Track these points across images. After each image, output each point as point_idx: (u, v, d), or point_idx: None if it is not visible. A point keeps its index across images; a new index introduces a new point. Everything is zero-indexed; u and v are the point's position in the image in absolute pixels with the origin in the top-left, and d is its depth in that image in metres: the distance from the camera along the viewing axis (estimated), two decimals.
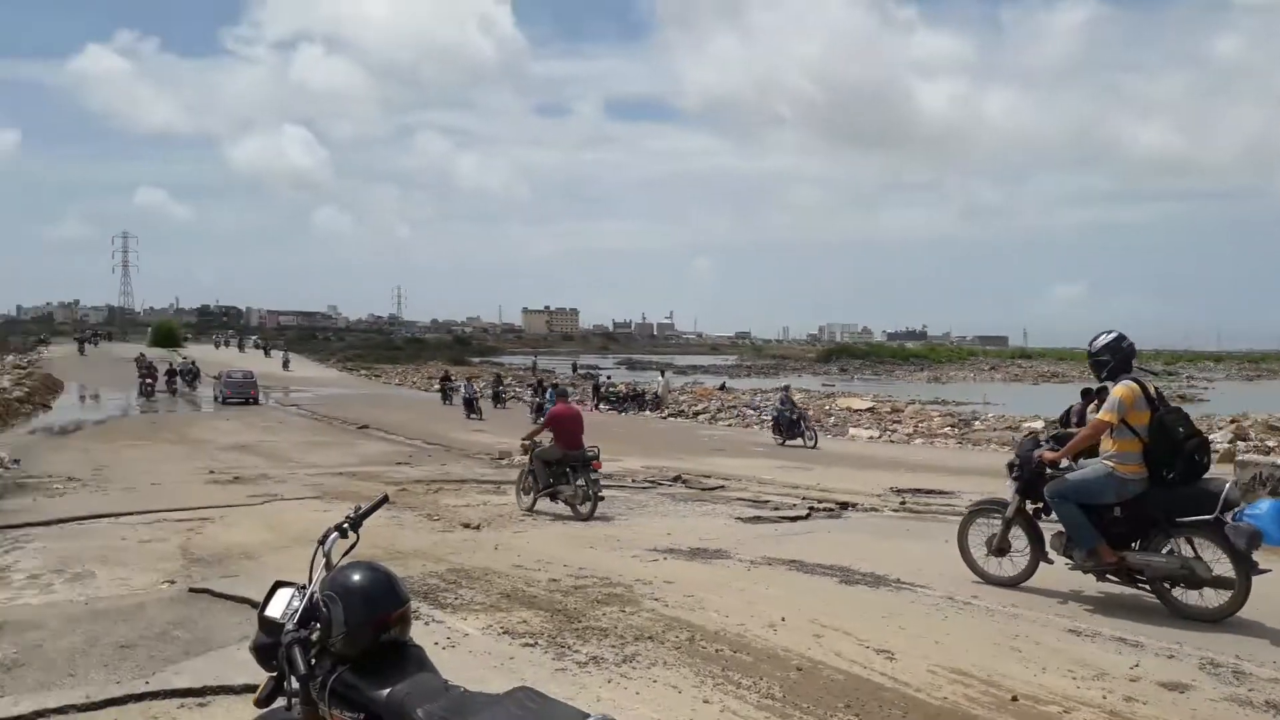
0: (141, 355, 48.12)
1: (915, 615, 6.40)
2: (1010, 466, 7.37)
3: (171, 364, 45.43)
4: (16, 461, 18.06)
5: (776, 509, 12.51)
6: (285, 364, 59.97)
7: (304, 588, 2.84)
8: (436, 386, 44.22)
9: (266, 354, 71.14)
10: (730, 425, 33.17)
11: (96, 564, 8.26)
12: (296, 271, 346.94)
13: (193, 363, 48.67)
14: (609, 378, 48.93)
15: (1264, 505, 6.10)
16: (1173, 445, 6.31)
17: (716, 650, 5.53)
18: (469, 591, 6.89)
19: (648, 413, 37.76)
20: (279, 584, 2.94)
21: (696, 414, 37.25)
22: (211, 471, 16.69)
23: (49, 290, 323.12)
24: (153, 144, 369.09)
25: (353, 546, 3.00)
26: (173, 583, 7.43)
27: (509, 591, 6.90)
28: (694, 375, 77.75)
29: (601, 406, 39.42)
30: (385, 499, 3.35)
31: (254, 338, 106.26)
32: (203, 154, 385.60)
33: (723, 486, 15.33)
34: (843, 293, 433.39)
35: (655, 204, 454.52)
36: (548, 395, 30.66)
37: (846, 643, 5.69)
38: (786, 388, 32.27)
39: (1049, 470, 6.92)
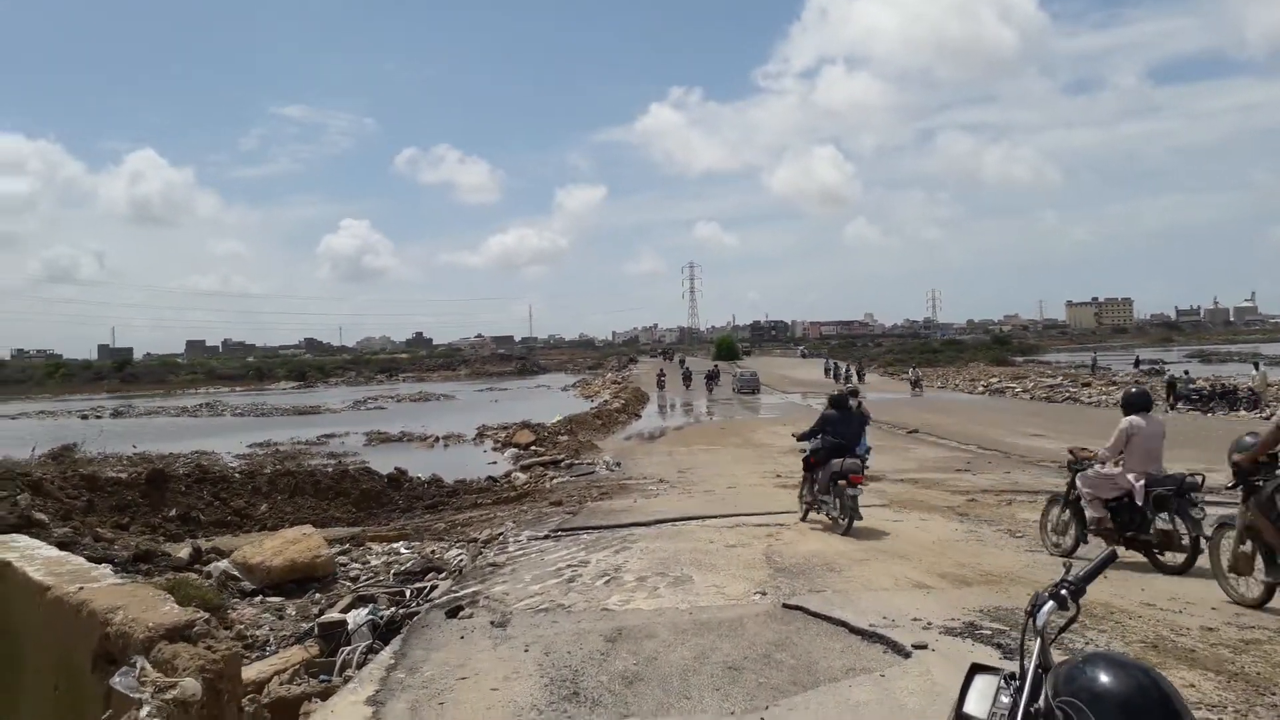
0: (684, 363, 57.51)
1: None
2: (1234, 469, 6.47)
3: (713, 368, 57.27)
4: (619, 464, 20.70)
5: None
6: (858, 375, 54.27)
7: (1012, 677, 2.17)
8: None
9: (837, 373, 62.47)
10: None
11: (693, 568, 8.66)
12: (833, 283, 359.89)
13: (715, 367, 59.41)
14: (1186, 373, 41.77)
15: None
16: None
17: None
18: (1099, 634, 5.74)
19: (1242, 412, 31.40)
20: (976, 668, 2.32)
21: None
22: (778, 475, 17.27)
23: (635, 317, 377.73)
24: (704, 183, 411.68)
25: (1072, 620, 2.28)
26: (764, 594, 7.41)
27: (1153, 640, 5.59)
28: None
29: (1180, 406, 33.79)
30: (1113, 555, 2.56)
31: (801, 348, 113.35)
32: (745, 185, 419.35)
33: None
34: None
35: (1215, 172, 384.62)
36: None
37: None
38: None
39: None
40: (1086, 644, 5.52)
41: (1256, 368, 35.93)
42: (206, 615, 5.55)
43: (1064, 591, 2.33)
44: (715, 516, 12.04)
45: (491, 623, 6.75)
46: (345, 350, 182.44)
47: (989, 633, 5.84)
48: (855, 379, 51.14)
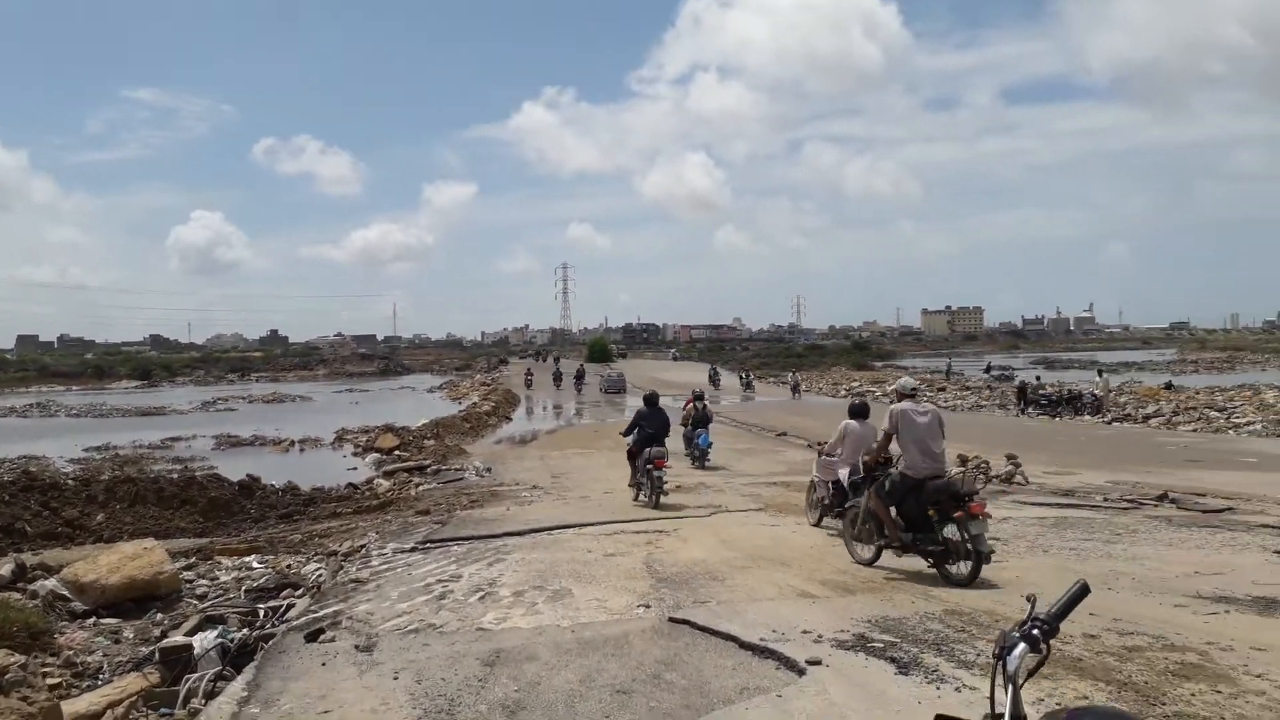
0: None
1: None
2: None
3: (579, 369, 57.98)
4: (489, 470, 20.07)
5: None
6: (746, 382, 53.40)
7: None
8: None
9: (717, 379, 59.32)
10: (1196, 430, 28.10)
11: (572, 580, 8.30)
12: (703, 287, 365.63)
13: (580, 367, 59.99)
14: (1037, 379, 44.19)
15: None
16: None
17: None
18: (986, 644, 5.68)
19: (1086, 417, 33.39)
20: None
21: (1146, 418, 32.18)
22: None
23: (505, 317, 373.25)
24: (577, 183, 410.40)
25: (1042, 662, 2.05)
26: (648, 607, 7.13)
27: None
28: (1128, 373, 68.27)
29: (1030, 411, 35.67)
30: (1085, 589, 2.33)
31: (673, 351, 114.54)
32: (618, 188, 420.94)
33: (1231, 509, 12.48)
34: None
35: (1062, 189, 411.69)
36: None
37: None
38: None
39: None
40: (978, 656, 5.46)
41: (1100, 375, 38.24)
42: (22, 660, 4.81)
43: (1036, 631, 2.09)
44: (592, 524, 11.71)
45: (356, 646, 6.19)
46: (194, 348, 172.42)
47: (881, 645, 5.71)
48: (741, 383, 52.86)
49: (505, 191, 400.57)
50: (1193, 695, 4.68)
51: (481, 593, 7.93)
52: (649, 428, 14.00)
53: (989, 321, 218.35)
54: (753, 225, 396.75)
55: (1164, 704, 4.56)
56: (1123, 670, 5.06)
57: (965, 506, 7.82)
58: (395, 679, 5.45)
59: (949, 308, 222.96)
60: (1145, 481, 15.61)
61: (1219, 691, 4.73)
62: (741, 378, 55.72)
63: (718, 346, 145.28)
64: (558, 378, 57.59)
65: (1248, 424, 27.99)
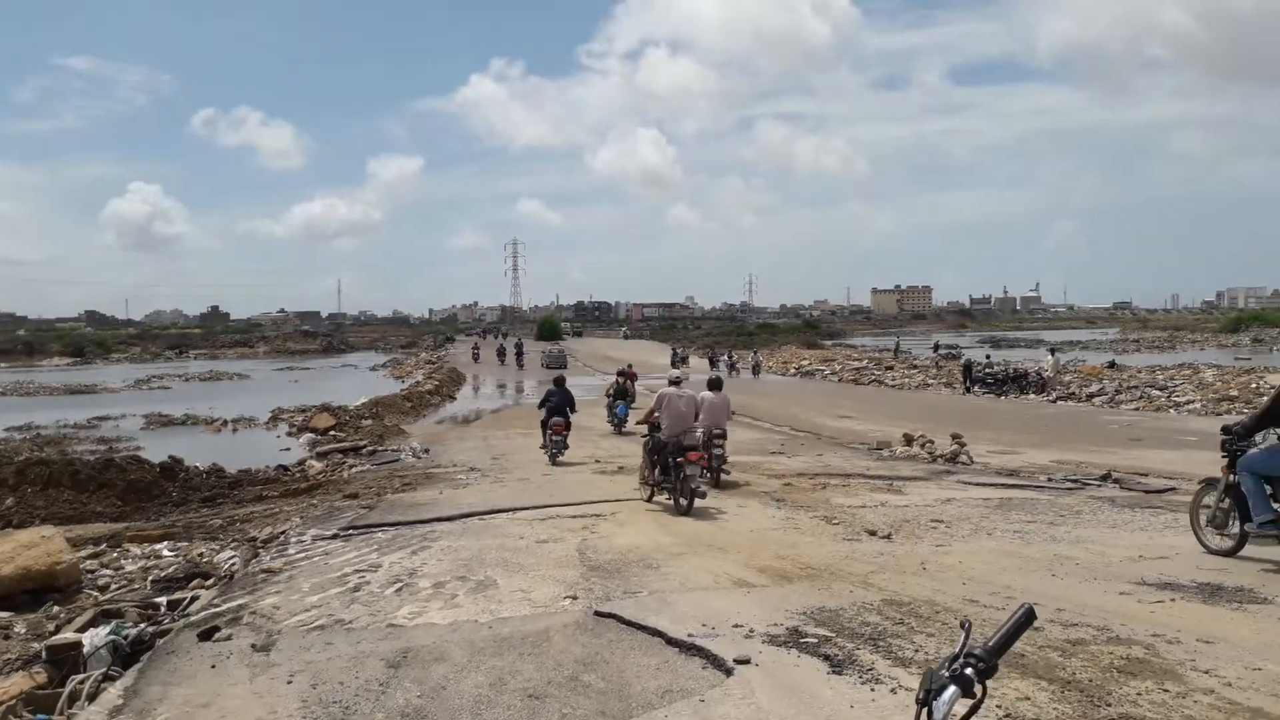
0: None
1: None
2: None
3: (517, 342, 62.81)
4: (426, 451, 19.50)
5: None
6: (676, 360, 49.96)
7: None
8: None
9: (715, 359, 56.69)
10: (1138, 409, 28.42)
11: (498, 569, 7.87)
12: (656, 265, 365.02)
13: (519, 342, 64.12)
14: (988, 357, 44.52)
15: None
16: None
17: None
18: (926, 639, 5.38)
19: (1031, 396, 33.66)
20: None
21: (1090, 396, 32.51)
22: (597, 460, 16.70)
23: (454, 294, 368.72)
24: (527, 158, 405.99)
25: (976, 708, 1.66)
26: (575, 598, 6.73)
27: None
28: (1072, 352, 69.38)
29: (976, 390, 35.88)
30: (1031, 616, 1.91)
31: (624, 329, 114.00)
32: (569, 163, 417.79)
33: (1173, 489, 12.45)
34: (1242, 252, 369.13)
35: (1008, 170, 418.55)
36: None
37: None
38: None
39: None
40: (915, 651, 5.15)
41: (1051, 354, 38.53)
42: None
43: (969, 671, 1.70)
44: (528, 508, 11.27)
45: (253, 645, 5.70)
46: (131, 324, 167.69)
47: (814, 640, 5.38)
48: (725, 366, 49.06)
49: (453, 166, 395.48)
50: (1139, 695, 4.40)
51: (399, 584, 7.46)
52: (553, 402, 17.33)
53: (937, 300, 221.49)
54: (704, 203, 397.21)
55: (1109, 704, 4.28)
56: (1067, 666, 4.77)
57: (685, 455, 10.72)
58: (289, 683, 4.98)
59: (898, 287, 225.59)
60: (1089, 461, 15.61)
61: (1166, 690, 4.46)
62: (724, 360, 51.15)
63: (670, 325, 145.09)
64: (501, 353, 60.16)
65: (1188, 403, 28.37)
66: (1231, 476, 7.34)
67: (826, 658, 5.05)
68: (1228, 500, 7.43)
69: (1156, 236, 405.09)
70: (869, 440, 19.69)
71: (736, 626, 5.68)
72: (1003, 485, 13.12)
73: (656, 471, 11.35)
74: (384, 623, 6.26)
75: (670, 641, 5.44)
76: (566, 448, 16.77)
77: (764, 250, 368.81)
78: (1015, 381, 35.67)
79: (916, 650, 5.12)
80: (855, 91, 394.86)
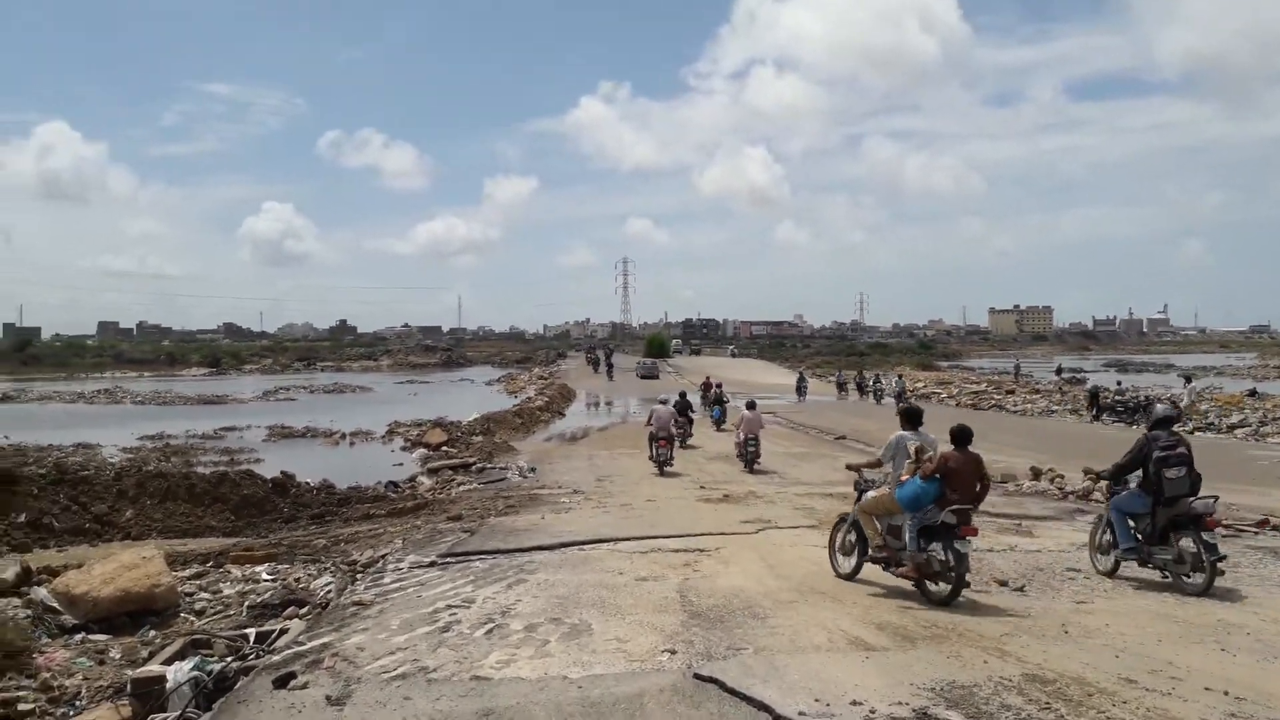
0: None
1: None
2: None
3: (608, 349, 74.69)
4: (533, 470, 19.31)
5: None
6: (801, 387, 45.91)
7: None
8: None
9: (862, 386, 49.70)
10: None
11: (594, 611, 7.38)
12: (764, 283, 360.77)
13: (610, 352, 75.27)
14: (1119, 383, 41.79)
15: None
16: None
17: None
18: None
19: None
20: None
21: (1231, 428, 29.97)
22: (702, 487, 16.15)
23: (567, 310, 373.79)
24: (635, 178, 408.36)
25: None
26: (674, 652, 6.16)
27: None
28: (1207, 378, 64.58)
29: (1105, 418, 33.63)
30: None
31: (731, 348, 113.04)
32: (676, 183, 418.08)
33: None
34: None
35: (1130, 187, 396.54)
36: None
37: None
38: None
39: None
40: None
41: (1187, 381, 35.99)
42: None
43: None
44: (629, 539, 10.79)
45: (328, 698, 5.34)
46: (265, 336, 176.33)
47: None
48: (867, 390, 45.15)
49: (565, 186, 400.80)
50: None
51: (490, 625, 7.05)
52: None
53: (1058, 322, 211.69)
54: (812, 221, 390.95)
55: None
56: None
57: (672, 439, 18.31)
58: None
59: (1017, 307, 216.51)
60: (1239, 503, 14.13)
61: None
62: (865, 386, 46.00)
63: (778, 343, 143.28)
64: (595, 363, 70.33)
65: None
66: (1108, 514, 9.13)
67: None
68: (1109, 533, 9.04)
69: None
70: (992, 472, 18.45)
71: (855, 704, 5.00)
72: None
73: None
74: (469, 673, 5.83)
75: (771, 714, 4.81)
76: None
77: (874, 269, 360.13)
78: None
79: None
80: (966, 108, 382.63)
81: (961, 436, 8.56)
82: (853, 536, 8.81)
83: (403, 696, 5.34)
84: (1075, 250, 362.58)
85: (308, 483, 17.77)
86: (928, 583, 7.86)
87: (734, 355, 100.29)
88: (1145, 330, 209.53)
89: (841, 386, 48.10)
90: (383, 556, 10.43)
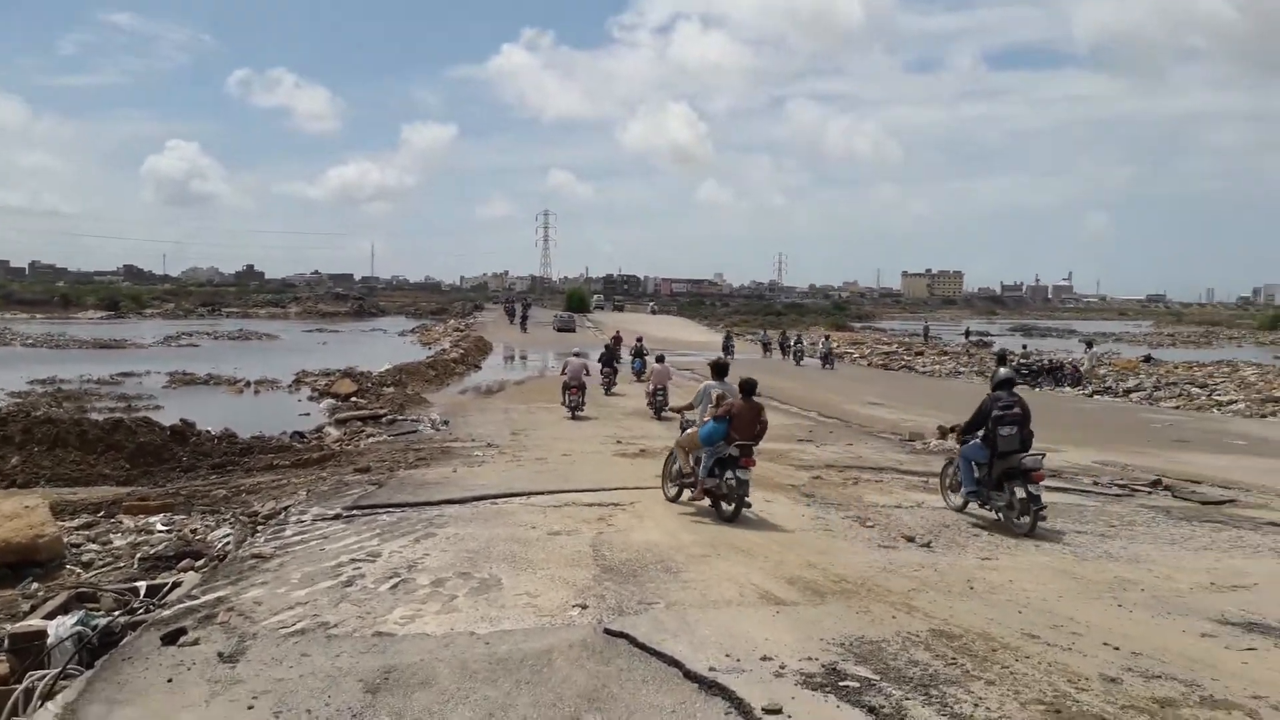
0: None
1: None
2: None
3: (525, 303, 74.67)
4: (446, 423, 18.94)
5: None
6: (728, 346, 43.77)
7: None
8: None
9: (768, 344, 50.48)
10: (1179, 408, 27.31)
11: (505, 566, 7.24)
12: (685, 241, 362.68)
13: (527, 305, 74.05)
14: (1024, 347, 43.14)
15: None
16: None
17: None
18: (985, 687, 4.65)
19: (1066, 389, 32.56)
20: None
21: (1127, 392, 31.36)
22: (619, 441, 16.08)
23: (485, 261, 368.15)
24: (558, 130, 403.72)
25: None
26: (585, 607, 6.07)
27: (1051, 701, 4.50)
28: (1106, 344, 67.46)
29: None
30: None
31: (651, 304, 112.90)
32: (600, 136, 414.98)
33: (1232, 500, 11.61)
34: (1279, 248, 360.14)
35: (1043, 157, 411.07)
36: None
37: None
38: None
39: None
40: (975, 707, 4.41)
41: (1088, 347, 37.34)
42: None
43: None
44: (543, 493, 10.64)
45: (220, 655, 5.09)
46: (168, 280, 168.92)
47: (855, 685, 4.65)
48: (787, 351, 44.32)
49: (485, 134, 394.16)
50: None
51: (396, 579, 6.84)
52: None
53: (968, 286, 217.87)
54: (735, 180, 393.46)
55: None
56: None
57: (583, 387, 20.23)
58: (250, 708, 4.36)
59: (929, 271, 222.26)
60: (1134, 464, 14.76)
61: None
62: (787, 346, 44.98)
63: (698, 301, 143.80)
64: (511, 313, 69.42)
65: (1230, 403, 27.29)
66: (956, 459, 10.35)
67: (872, 710, 4.32)
68: (957, 475, 10.27)
69: (1192, 229, 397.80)
70: (900, 430, 18.90)
71: (765, 660, 4.98)
72: (1047, 488, 12.29)
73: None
74: (371, 629, 5.63)
75: (689, 675, 4.75)
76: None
77: (794, 230, 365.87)
78: (1051, 373, 34.57)
79: (976, 705, 4.39)
80: (889, 74, 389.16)
81: (746, 387, 10.08)
82: (676, 466, 10.32)
83: (300, 653, 5.12)
84: (988, 217, 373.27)
85: (209, 431, 17.08)
86: (721, 503, 9.47)
87: (653, 312, 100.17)
88: (1050, 297, 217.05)
89: (765, 346, 48.41)
90: (285, 508, 10.07)
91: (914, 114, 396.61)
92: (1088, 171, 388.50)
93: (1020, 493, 9.27)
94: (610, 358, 27.36)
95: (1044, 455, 9.77)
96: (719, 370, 11.15)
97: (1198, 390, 30.32)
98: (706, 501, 9.69)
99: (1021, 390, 11.49)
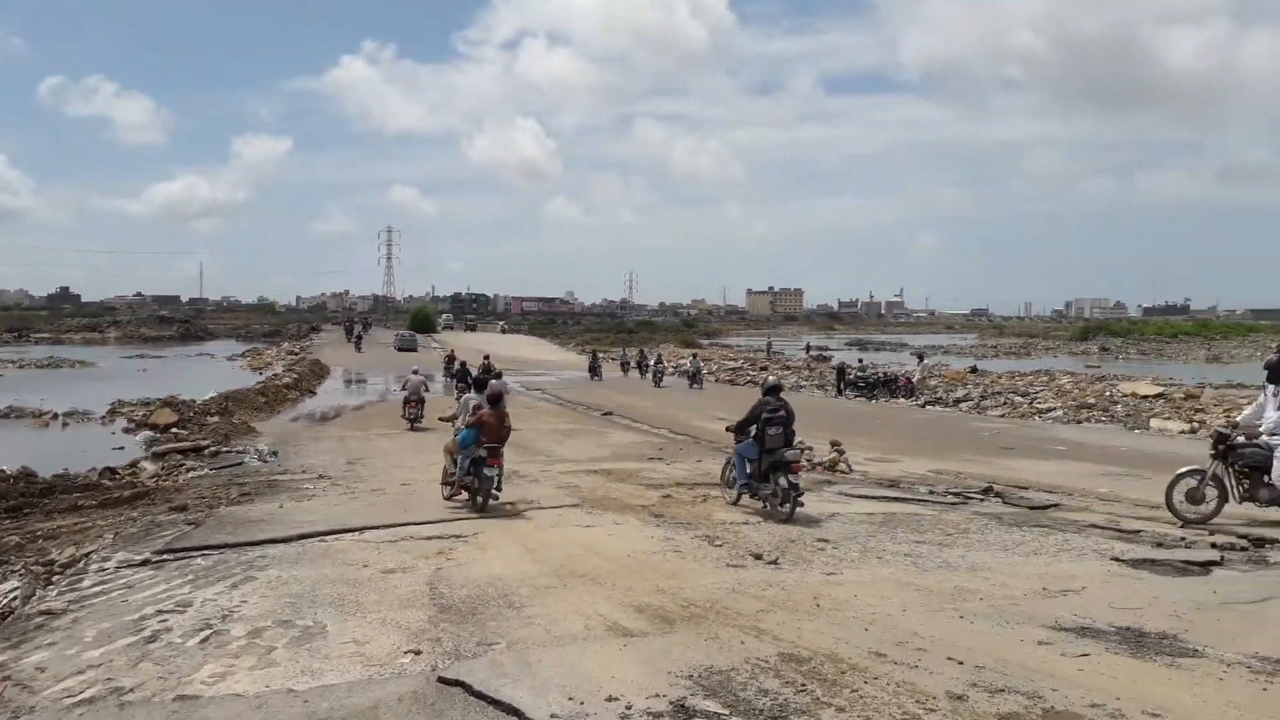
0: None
1: None
2: None
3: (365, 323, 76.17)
4: (275, 454, 17.80)
5: (1160, 544, 9.35)
6: (595, 367, 44.85)
7: None
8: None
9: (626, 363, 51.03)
10: (1004, 415, 29.02)
11: (331, 611, 6.67)
12: (535, 259, 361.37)
13: (365, 325, 78.37)
14: (860, 360, 44.94)
15: None
16: None
17: None
18: (835, 715, 4.51)
19: (900, 400, 34.10)
20: None
21: (956, 401, 33.15)
22: None
23: (324, 281, 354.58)
24: (401, 144, 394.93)
25: None
26: (418, 652, 5.62)
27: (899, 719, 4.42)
28: (935, 356, 71.53)
29: (848, 393, 36.10)
30: None
31: (501, 324, 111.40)
32: (444, 151, 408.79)
33: (1056, 505, 12.21)
34: (1089, 266, 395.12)
35: (877, 179, 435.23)
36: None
37: None
38: None
39: None
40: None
41: (920, 359, 39.23)
42: None
43: None
44: (378, 527, 10.04)
45: None
46: None
47: None
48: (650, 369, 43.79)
49: (323, 148, 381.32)
50: None
51: (207, 632, 6.18)
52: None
53: (808, 303, 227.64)
54: (584, 198, 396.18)
55: None
56: None
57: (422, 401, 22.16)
58: None
59: (771, 289, 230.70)
60: (966, 471, 15.38)
61: None
62: (645, 365, 45.18)
63: (549, 320, 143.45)
64: (349, 331, 69.57)
65: (1049, 409, 29.15)
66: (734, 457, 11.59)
67: None
68: (733, 470, 11.65)
69: (1012, 248, 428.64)
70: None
71: (610, 700, 4.69)
72: (885, 499, 12.63)
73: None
74: (174, 691, 5.01)
75: (521, 718, 4.41)
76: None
77: (644, 248, 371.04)
78: (886, 385, 36.10)
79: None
80: (731, 95, 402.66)
81: (493, 399, 11.89)
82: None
83: None
84: (825, 236, 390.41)
85: (3, 470, 15.41)
86: (477, 497, 11.10)
87: (504, 331, 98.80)
88: (884, 312, 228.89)
89: (625, 366, 48.43)
90: (86, 555, 9.08)
91: (756, 135, 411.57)
92: (917, 193, 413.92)
93: (783, 482, 10.60)
94: (464, 374, 29.40)
95: (803, 450, 11.52)
96: (479, 385, 14.04)
97: (1020, 399, 32.24)
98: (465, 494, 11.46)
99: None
